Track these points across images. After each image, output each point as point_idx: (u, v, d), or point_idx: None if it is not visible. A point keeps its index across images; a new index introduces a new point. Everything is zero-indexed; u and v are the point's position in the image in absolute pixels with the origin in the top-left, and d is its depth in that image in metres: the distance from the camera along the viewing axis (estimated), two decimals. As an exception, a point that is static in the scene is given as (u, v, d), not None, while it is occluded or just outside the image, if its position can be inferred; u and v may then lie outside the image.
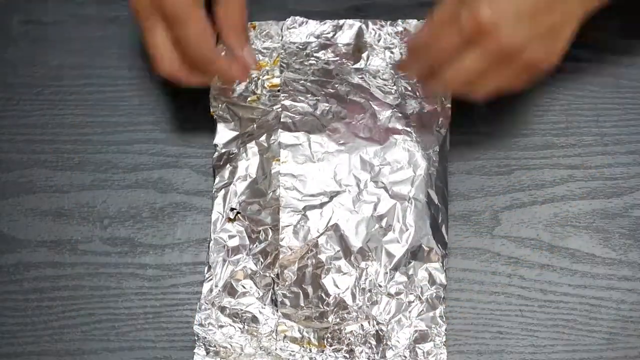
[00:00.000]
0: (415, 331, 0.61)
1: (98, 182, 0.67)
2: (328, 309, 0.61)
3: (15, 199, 0.67)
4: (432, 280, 0.62)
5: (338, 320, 0.61)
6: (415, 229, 0.62)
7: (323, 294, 0.61)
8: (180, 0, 0.60)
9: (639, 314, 0.63)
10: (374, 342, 0.60)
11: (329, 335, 0.60)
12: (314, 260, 0.61)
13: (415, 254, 0.62)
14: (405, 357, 0.60)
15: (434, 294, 0.61)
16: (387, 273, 0.61)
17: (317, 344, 0.60)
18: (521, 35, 0.56)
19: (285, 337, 0.60)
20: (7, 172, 0.67)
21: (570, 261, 0.64)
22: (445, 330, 0.61)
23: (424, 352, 0.60)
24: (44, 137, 0.68)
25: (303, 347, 0.60)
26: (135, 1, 0.61)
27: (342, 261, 0.61)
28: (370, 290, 0.61)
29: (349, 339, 0.60)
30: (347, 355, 0.60)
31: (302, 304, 0.61)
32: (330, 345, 0.60)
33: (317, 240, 0.61)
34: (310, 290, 0.61)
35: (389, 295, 0.61)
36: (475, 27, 0.55)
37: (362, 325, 0.61)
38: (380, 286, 0.61)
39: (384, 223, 0.62)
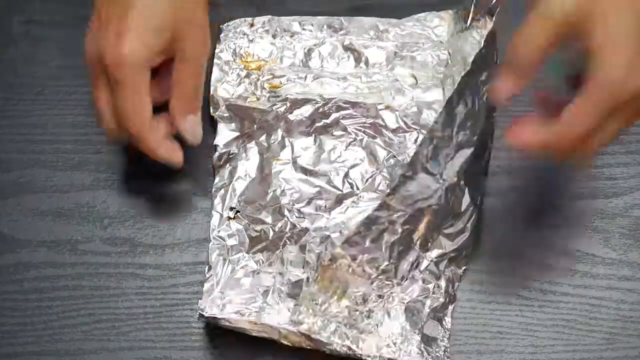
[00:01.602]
0: (428, 319, 0.61)
1: (98, 182, 0.67)
2: (376, 272, 0.61)
3: (15, 199, 0.66)
4: (453, 282, 0.62)
5: (377, 285, 0.61)
6: (469, 234, 0.63)
7: (380, 257, 0.60)
8: (124, 64, 0.58)
9: (639, 314, 0.63)
10: (391, 316, 0.61)
11: (359, 293, 0.61)
12: (390, 226, 0.61)
13: (455, 255, 0.62)
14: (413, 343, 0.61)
15: (452, 294, 0.62)
16: (428, 261, 0.62)
17: (341, 295, 0.60)
18: None
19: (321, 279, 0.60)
20: (7, 172, 0.67)
21: (570, 261, 0.64)
22: (449, 331, 0.61)
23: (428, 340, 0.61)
24: (44, 137, 0.68)
25: (329, 293, 0.60)
26: (87, 53, 0.61)
27: (409, 238, 0.61)
28: (409, 271, 0.61)
29: (373, 305, 0.61)
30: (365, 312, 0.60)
31: (359, 256, 0.60)
32: (355, 304, 0.60)
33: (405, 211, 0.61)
34: (372, 247, 0.60)
35: (419, 280, 0.62)
36: (616, 101, 0.51)
37: (391, 296, 0.61)
38: (419, 270, 0.62)
39: (454, 220, 0.62)
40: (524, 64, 0.53)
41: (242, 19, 0.71)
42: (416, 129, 0.66)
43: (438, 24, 0.70)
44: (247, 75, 0.69)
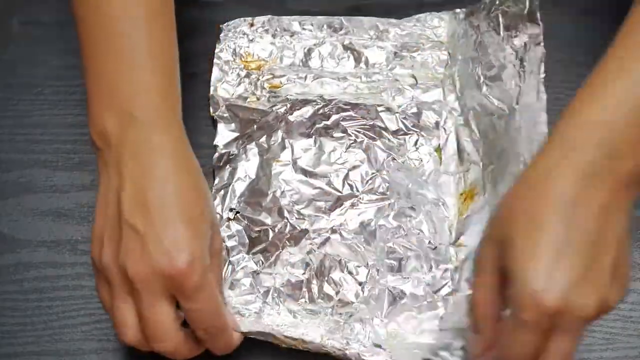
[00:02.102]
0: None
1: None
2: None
3: (15, 199, 0.66)
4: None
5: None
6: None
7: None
8: (191, 274, 0.52)
9: (639, 313, 0.63)
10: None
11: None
12: None
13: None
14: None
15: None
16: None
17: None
18: (594, 296, 0.48)
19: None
20: (7, 172, 0.67)
21: (570, 261, 0.64)
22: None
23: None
24: (44, 137, 0.68)
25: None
26: (105, 266, 0.53)
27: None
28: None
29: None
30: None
31: None
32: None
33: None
34: None
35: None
36: (543, 314, 0.48)
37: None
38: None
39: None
40: (486, 324, 0.53)
41: (242, 19, 0.71)
42: (416, 132, 0.66)
43: (438, 24, 0.70)
44: (247, 75, 0.69)
